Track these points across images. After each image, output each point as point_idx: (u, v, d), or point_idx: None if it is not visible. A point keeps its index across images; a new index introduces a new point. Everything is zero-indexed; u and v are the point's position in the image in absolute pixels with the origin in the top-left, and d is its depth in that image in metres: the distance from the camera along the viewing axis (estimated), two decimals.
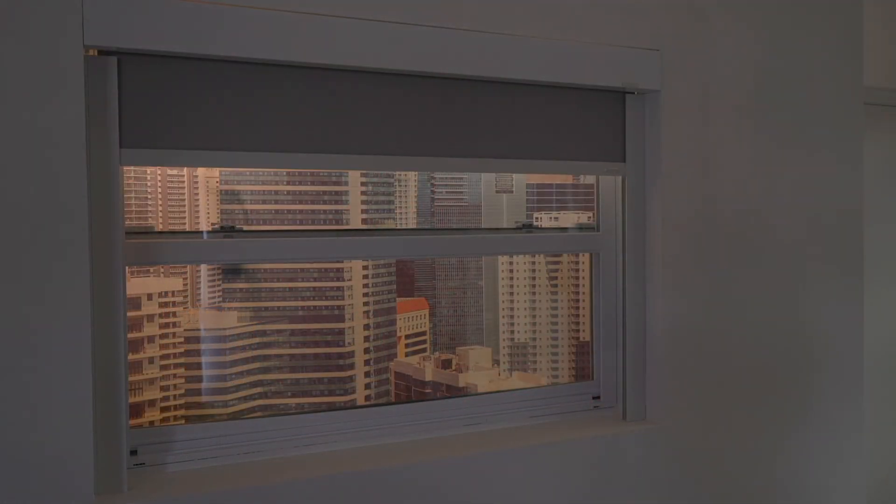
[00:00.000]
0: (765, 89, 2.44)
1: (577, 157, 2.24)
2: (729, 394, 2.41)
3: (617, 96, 2.30)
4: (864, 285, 2.68)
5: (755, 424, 2.45)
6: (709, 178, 2.35)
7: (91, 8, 1.63)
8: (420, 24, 1.94)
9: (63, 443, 1.64)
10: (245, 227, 1.97)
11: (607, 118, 2.28)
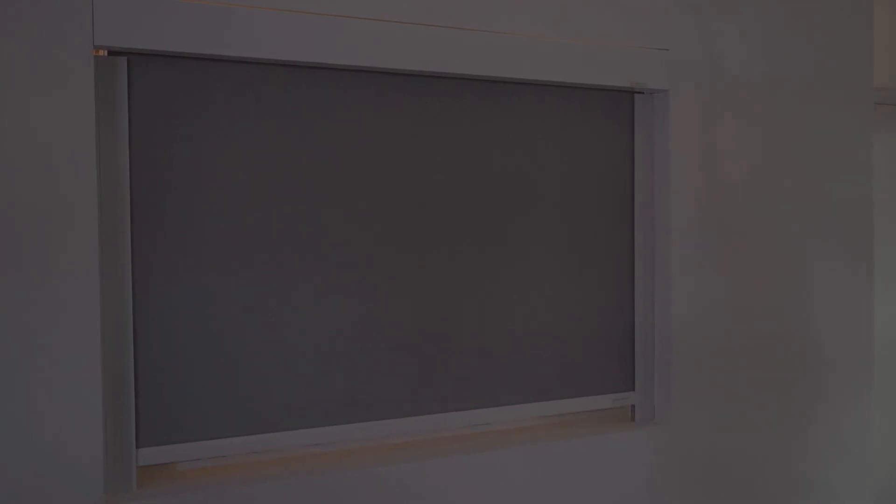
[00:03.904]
0: (773, 89, 2.44)
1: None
2: (737, 394, 2.40)
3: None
4: (874, 284, 2.67)
5: (763, 424, 2.45)
6: (717, 178, 2.35)
7: (100, 9, 1.63)
8: (429, 25, 1.94)
9: (72, 442, 1.64)
10: None
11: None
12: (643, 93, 2.30)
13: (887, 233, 3.22)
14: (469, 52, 1.99)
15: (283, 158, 1.89)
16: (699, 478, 2.35)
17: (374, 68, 1.90)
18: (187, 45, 1.71)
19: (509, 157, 2.14)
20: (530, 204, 2.17)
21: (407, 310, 2.03)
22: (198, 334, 1.81)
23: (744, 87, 2.38)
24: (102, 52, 1.69)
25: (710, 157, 2.34)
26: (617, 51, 2.18)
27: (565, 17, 2.12)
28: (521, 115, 2.15)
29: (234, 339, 1.85)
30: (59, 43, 1.60)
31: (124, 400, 1.73)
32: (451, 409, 2.09)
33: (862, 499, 2.65)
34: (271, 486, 1.82)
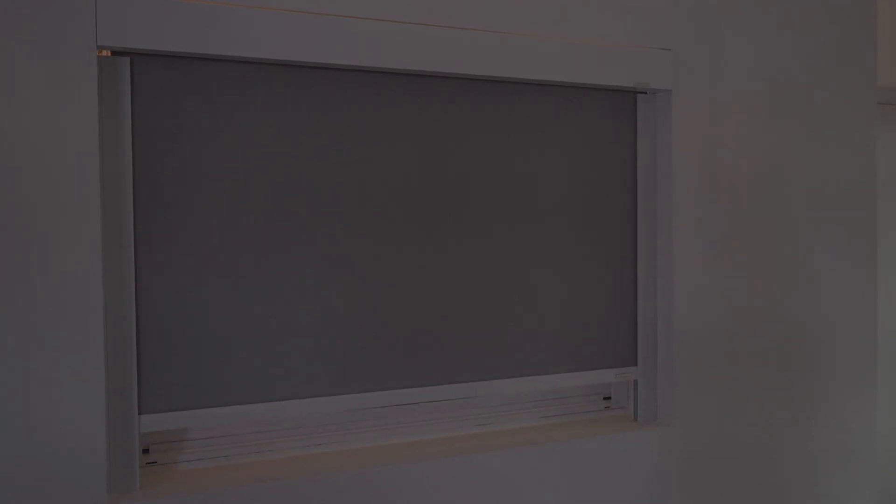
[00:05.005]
0: (776, 89, 2.43)
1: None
2: (739, 394, 2.39)
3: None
4: (878, 283, 2.66)
5: (766, 424, 2.44)
6: (720, 178, 2.34)
7: (104, 9, 1.64)
8: (429, 25, 1.95)
9: (76, 442, 1.65)
10: None
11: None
12: (646, 93, 2.30)
13: (891, 232, 3.21)
14: (470, 52, 1.99)
15: (283, 157, 1.89)
16: (702, 478, 2.35)
17: (374, 68, 1.91)
18: (189, 45, 1.73)
19: (511, 157, 2.14)
20: (533, 202, 2.17)
21: (411, 293, 2.03)
22: (200, 319, 1.82)
23: (747, 87, 2.38)
24: (106, 53, 1.70)
25: (713, 157, 2.33)
26: (619, 51, 2.18)
27: (567, 17, 2.12)
28: (523, 115, 2.15)
29: (235, 323, 1.85)
30: (62, 43, 1.62)
31: (128, 399, 1.74)
32: (454, 380, 2.09)
33: (866, 499, 2.64)
34: (272, 487, 1.82)
